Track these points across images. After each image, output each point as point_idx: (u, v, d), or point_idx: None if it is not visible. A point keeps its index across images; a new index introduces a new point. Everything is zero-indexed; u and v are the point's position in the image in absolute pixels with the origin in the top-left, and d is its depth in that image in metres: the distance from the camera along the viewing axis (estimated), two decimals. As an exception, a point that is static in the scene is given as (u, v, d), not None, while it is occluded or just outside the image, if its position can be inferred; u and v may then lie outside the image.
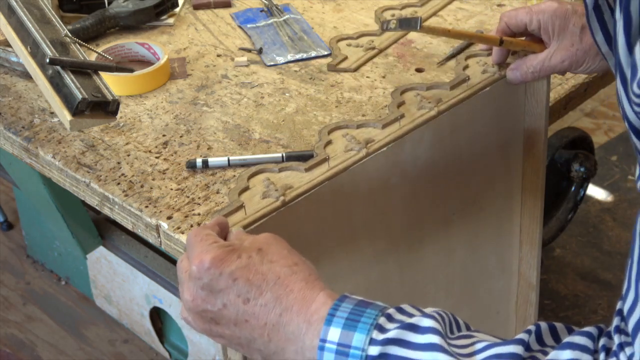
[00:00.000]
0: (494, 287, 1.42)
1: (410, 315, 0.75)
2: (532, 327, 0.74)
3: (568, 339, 0.72)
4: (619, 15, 0.69)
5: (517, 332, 1.48)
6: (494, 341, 0.73)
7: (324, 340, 0.75)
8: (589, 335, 0.71)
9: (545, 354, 0.72)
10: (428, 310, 0.76)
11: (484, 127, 1.22)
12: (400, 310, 0.76)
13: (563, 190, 2.08)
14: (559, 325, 0.75)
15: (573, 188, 2.07)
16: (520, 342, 0.72)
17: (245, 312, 0.79)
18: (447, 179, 1.21)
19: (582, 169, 1.99)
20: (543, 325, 0.75)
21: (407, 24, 1.06)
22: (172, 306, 1.89)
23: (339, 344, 0.74)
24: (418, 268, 1.25)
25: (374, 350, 0.73)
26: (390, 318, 0.75)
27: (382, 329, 0.74)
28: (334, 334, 0.75)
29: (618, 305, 0.71)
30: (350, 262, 1.13)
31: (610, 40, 0.88)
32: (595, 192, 2.56)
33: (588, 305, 2.18)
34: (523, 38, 1.18)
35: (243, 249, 0.81)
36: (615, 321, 0.70)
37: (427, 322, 0.74)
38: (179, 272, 0.85)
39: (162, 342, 2.05)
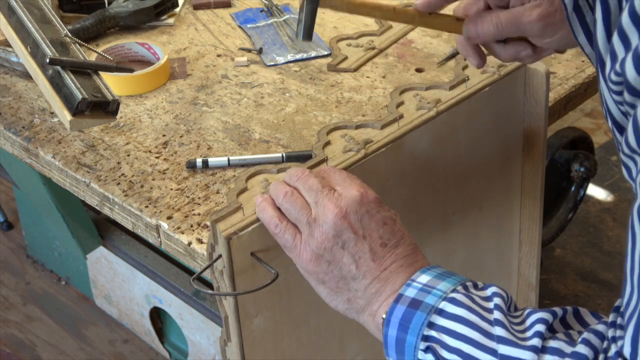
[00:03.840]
0: (494, 287, 1.42)
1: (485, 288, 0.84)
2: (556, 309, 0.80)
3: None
4: (598, 10, 0.71)
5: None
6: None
7: (412, 280, 0.84)
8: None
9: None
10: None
11: (483, 127, 1.22)
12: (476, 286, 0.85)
13: (563, 190, 2.08)
14: (582, 310, 0.81)
15: (573, 188, 2.07)
16: (553, 312, 0.79)
17: (377, 252, 0.86)
18: (447, 180, 1.21)
19: (582, 169, 1.99)
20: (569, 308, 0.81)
21: None
22: (172, 306, 1.89)
23: (425, 285, 0.82)
24: (418, 268, 1.25)
25: (454, 294, 0.80)
26: (475, 286, 0.84)
27: (466, 288, 0.82)
28: (424, 278, 0.84)
29: (617, 303, 0.74)
30: (349, 262, 1.13)
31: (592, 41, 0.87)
32: (595, 192, 2.56)
33: (588, 305, 2.18)
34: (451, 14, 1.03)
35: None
36: (612, 317, 0.74)
37: (492, 289, 0.83)
38: (312, 183, 0.89)
39: (162, 342, 2.05)
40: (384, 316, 0.83)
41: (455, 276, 0.84)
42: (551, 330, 0.77)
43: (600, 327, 0.75)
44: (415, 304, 0.81)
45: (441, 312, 0.80)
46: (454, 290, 0.81)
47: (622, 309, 0.72)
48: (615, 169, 2.65)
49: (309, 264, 0.87)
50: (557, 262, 2.31)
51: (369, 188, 0.90)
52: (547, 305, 2.17)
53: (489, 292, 0.82)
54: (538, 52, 1.02)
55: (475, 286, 0.84)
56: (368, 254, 0.86)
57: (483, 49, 1.03)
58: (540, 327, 0.76)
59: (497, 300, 0.80)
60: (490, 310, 0.79)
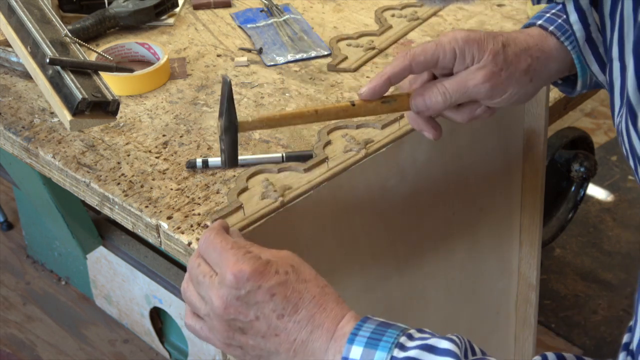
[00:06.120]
0: (494, 287, 1.42)
1: (431, 336, 0.77)
2: (537, 358, 0.74)
3: None
4: (630, 62, 0.69)
5: (517, 332, 1.48)
6: None
7: (345, 359, 0.76)
8: None
9: None
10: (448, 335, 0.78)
11: (483, 127, 1.22)
12: (421, 331, 0.78)
13: (563, 190, 2.08)
14: (568, 356, 0.75)
15: (573, 188, 2.07)
16: None
17: (278, 326, 0.79)
18: (447, 179, 1.21)
19: (582, 169, 1.99)
20: (550, 355, 0.75)
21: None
22: (172, 306, 1.90)
23: None
24: (417, 268, 1.25)
25: None
26: (411, 337, 0.77)
27: (403, 348, 0.75)
28: (356, 352, 0.76)
29: (625, 339, 0.71)
30: (349, 263, 1.13)
31: (606, 69, 0.85)
32: (595, 192, 2.56)
33: (588, 305, 2.18)
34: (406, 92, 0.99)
35: (277, 264, 0.81)
36: (621, 357, 0.70)
37: (445, 344, 0.75)
38: (195, 274, 0.83)
39: (162, 342, 2.05)
40: None
41: (387, 334, 0.77)
42: None
43: None
44: None
45: None
46: None
47: (631, 346, 0.69)
48: (615, 169, 2.65)
49: (227, 350, 0.84)
50: (557, 262, 2.31)
51: (244, 261, 0.80)
52: (547, 305, 2.17)
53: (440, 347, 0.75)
54: (492, 108, 1.00)
55: (411, 337, 0.77)
56: (269, 330, 0.80)
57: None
58: None
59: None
60: None
